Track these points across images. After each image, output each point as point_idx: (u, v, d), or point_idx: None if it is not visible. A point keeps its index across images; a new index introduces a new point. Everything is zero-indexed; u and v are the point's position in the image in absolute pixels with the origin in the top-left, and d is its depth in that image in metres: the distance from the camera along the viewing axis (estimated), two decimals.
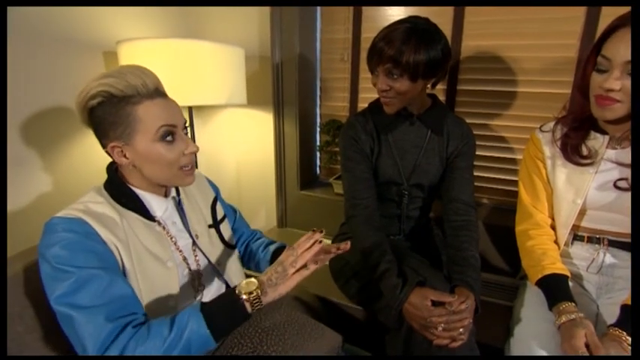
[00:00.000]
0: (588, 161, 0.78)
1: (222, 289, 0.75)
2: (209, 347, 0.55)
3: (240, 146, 1.59)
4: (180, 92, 0.97)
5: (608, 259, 0.81)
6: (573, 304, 0.71)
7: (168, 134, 0.61)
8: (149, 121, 0.60)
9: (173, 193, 0.72)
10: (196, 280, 0.70)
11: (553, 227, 0.86)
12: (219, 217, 0.79)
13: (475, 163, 1.21)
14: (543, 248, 0.82)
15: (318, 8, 1.41)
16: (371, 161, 0.95)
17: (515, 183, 1.23)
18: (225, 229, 0.80)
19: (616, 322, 0.67)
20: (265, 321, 0.75)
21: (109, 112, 0.59)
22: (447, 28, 1.20)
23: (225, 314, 0.55)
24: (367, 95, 1.40)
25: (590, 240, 0.83)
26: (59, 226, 0.56)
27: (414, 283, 0.74)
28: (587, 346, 0.64)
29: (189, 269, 0.69)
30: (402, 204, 0.98)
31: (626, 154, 0.75)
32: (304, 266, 0.57)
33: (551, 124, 0.86)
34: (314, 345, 0.73)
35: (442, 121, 0.93)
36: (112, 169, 0.67)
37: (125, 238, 0.60)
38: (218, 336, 0.54)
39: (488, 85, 1.22)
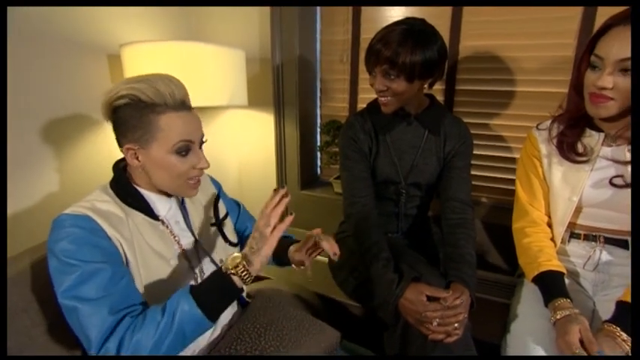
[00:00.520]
0: (584, 159, 0.79)
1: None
2: (205, 327, 0.56)
3: (242, 147, 1.61)
4: None
5: (605, 256, 0.82)
6: (568, 300, 0.72)
7: (184, 149, 0.63)
8: (169, 133, 0.61)
9: None
10: (199, 278, 0.71)
11: (550, 225, 0.87)
12: (222, 215, 0.81)
13: (474, 162, 1.22)
14: (539, 245, 0.83)
15: (318, 10, 1.43)
16: (369, 160, 0.96)
17: (514, 182, 1.23)
18: (228, 226, 0.81)
19: (610, 318, 0.67)
20: (264, 317, 0.77)
21: (131, 115, 0.61)
22: (445, 29, 1.21)
23: (215, 291, 0.57)
24: (366, 96, 1.41)
25: (586, 237, 0.84)
26: (66, 222, 0.58)
27: (410, 279, 0.76)
28: (581, 341, 0.65)
29: (192, 267, 0.70)
30: (399, 202, 0.99)
31: (621, 152, 0.76)
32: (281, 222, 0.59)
33: (548, 123, 0.86)
34: (312, 341, 0.75)
35: (439, 121, 0.94)
36: (120, 167, 0.68)
37: (130, 236, 0.62)
38: (211, 315, 0.56)
39: (486, 85, 1.23)
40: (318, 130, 1.56)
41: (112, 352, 0.53)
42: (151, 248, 0.64)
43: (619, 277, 0.80)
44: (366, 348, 0.84)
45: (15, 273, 0.65)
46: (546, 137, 0.85)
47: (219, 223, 0.79)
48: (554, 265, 0.79)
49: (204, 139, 0.68)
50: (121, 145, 0.64)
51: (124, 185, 0.66)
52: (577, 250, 0.85)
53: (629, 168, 0.74)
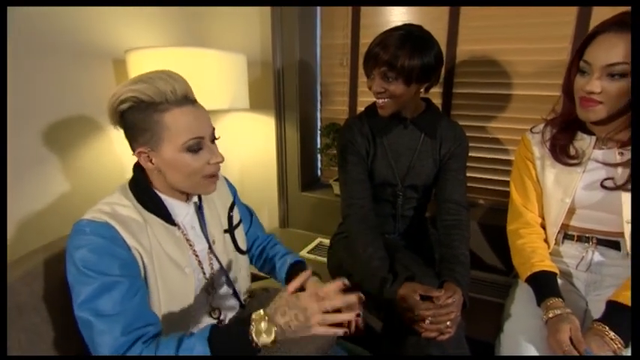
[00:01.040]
0: (575, 161, 0.80)
1: (230, 294, 0.76)
2: None
3: (243, 149, 1.64)
4: None
5: (597, 257, 0.83)
6: (560, 299, 0.74)
7: (195, 146, 0.62)
8: (176, 131, 0.60)
9: (195, 197, 0.72)
10: (209, 285, 0.71)
11: (543, 226, 0.89)
12: (235, 222, 0.80)
13: (471, 164, 1.24)
14: (533, 246, 0.84)
15: (318, 15, 1.46)
16: (367, 163, 0.98)
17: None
18: (240, 234, 0.80)
19: (600, 317, 0.69)
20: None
21: (137, 118, 0.60)
22: (442, 33, 1.23)
23: (234, 349, 0.54)
24: (366, 99, 1.44)
25: (579, 239, 0.85)
26: (87, 228, 0.57)
27: (403, 278, 0.78)
28: (572, 340, 0.66)
29: (204, 274, 0.70)
30: (396, 204, 1.01)
31: (611, 154, 0.78)
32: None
33: (541, 126, 0.88)
34: (308, 337, 0.75)
35: (435, 125, 0.96)
36: (139, 169, 0.67)
37: (149, 245, 0.61)
38: None
39: (483, 89, 1.25)
40: (319, 132, 1.59)
41: None
42: (169, 257, 0.64)
43: (611, 278, 0.81)
44: (363, 348, 0.85)
45: (25, 271, 0.66)
46: (540, 140, 0.87)
47: (232, 230, 0.78)
48: (547, 265, 0.80)
49: (216, 135, 0.67)
50: (133, 149, 0.63)
51: (144, 189, 0.65)
52: (570, 251, 0.87)
53: (619, 170, 0.76)
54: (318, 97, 1.56)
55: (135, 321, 0.56)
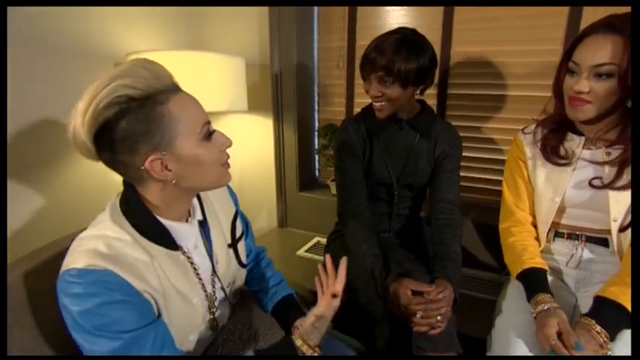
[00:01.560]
0: (565, 161, 0.82)
1: (226, 304, 0.73)
2: None
3: (242, 150, 1.66)
4: None
5: (586, 254, 0.85)
6: (549, 295, 0.75)
7: (208, 132, 0.54)
8: (188, 120, 0.51)
9: (198, 215, 0.64)
10: (211, 305, 0.66)
11: (534, 225, 0.91)
12: (238, 234, 0.73)
13: (465, 164, 1.26)
14: (524, 244, 0.86)
15: (315, 18, 1.48)
16: (362, 162, 1.00)
17: None
18: (242, 247, 0.74)
19: (587, 312, 0.71)
20: (260, 310, 0.80)
21: (135, 121, 0.48)
22: (436, 35, 1.26)
23: None
24: (362, 100, 1.46)
25: (569, 236, 0.87)
26: (83, 280, 0.47)
27: (396, 274, 0.80)
28: (560, 334, 0.68)
29: (207, 295, 0.65)
30: (392, 203, 1.03)
31: (600, 154, 0.80)
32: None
33: (533, 127, 0.90)
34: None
35: (430, 126, 0.98)
36: (131, 192, 0.55)
37: (159, 284, 0.54)
38: None
39: (477, 89, 1.27)
40: (316, 133, 1.61)
41: None
42: (176, 291, 0.57)
43: (600, 274, 0.83)
44: (357, 340, 0.86)
45: (27, 270, 0.65)
46: (531, 141, 0.89)
47: (235, 244, 0.71)
48: (537, 262, 0.82)
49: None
50: (136, 165, 0.50)
51: (140, 213, 0.55)
52: (561, 248, 0.89)
53: (606, 169, 0.78)
54: (316, 99, 1.58)
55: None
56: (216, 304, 0.67)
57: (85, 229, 0.56)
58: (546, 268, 0.82)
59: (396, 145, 0.99)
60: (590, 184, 0.79)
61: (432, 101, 1.31)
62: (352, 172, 0.99)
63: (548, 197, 0.85)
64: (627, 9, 0.71)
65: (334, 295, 0.64)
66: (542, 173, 0.86)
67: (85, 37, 1.12)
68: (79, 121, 0.48)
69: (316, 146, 1.63)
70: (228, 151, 0.60)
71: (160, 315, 0.55)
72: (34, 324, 0.64)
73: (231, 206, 0.74)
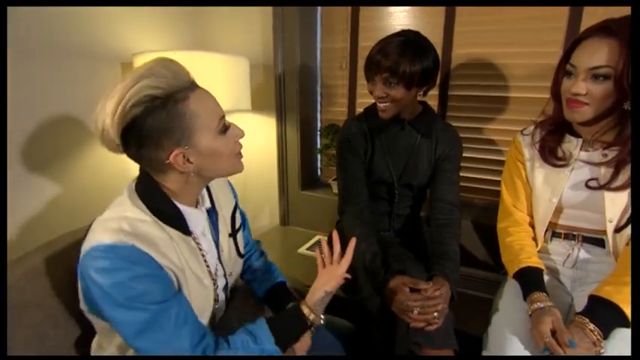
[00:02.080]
0: (563, 163, 0.84)
1: (224, 302, 0.75)
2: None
3: (245, 149, 1.66)
4: None
5: (582, 254, 0.86)
6: (544, 294, 0.77)
7: (224, 127, 0.58)
8: (206, 115, 0.55)
9: (207, 203, 0.68)
10: (216, 292, 0.68)
11: (532, 225, 0.92)
12: (237, 225, 0.77)
13: (466, 164, 1.27)
14: (521, 244, 0.88)
15: (318, 19, 1.50)
16: (364, 161, 1.02)
17: None
18: (241, 238, 0.78)
19: (582, 311, 0.72)
20: (254, 305, 0.82)
21: (159, 119, 0.51)
22: (438, 38, 1.27)
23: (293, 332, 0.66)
24: (365, 100, 1.48)
25: (566, 237, 0.89)
26: (112, 253, 0.51)
27: (394, 271, 0.81)
28: (554, 332, 0.70)
29: (214, 282, 0.67)
30: (392, 202, 1.05)
31: (597, 156, 0.81)
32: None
33: (531, 128, 0.92)
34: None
35: (431, 126, 1.00)
36: (148, 178, 0.58)
37: (179, 262, 0.58)
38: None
39: (478, 91, 1.28)
40: (318, 133, 1.63)
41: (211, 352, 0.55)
42: (191, 270, 0.61)
43: (596, 274, 0.84)
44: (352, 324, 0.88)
45: (28, 269, 0.65)
46: (530, 142, 0.90)
47: (235, 234, 0.75)
48: (534, 262, 0.84)
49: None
50: (160, 159, 0.54)
51: (158, 197, 0.58)
52: (557, 248, 0.90)
53: (602, 170, 0.79)
54: (318, 99, 1.60)
55: (195, 332, 0.56)
56: (218, 292, 0.69)
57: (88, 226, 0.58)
58: (542, 267, 0.83)
59: (398, 145, 1.01)
60: (587, 185, 0.81)
61: (433, 102, 1.32)
62: (353, 171, 1.00)
63: (546, 198, 0.86)
64: (627, 9, 0.72)
65: (345, 278, 0.70)
66: (540, 174, 0.88)
67: (94, 38, 1.15)
68: (108, 120, 0.51)
69: (318, 146, 1.65)
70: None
71: (180, 290, 0.58)
72: (34, 324, 0.64)
73: (231, 198, 0.78)
